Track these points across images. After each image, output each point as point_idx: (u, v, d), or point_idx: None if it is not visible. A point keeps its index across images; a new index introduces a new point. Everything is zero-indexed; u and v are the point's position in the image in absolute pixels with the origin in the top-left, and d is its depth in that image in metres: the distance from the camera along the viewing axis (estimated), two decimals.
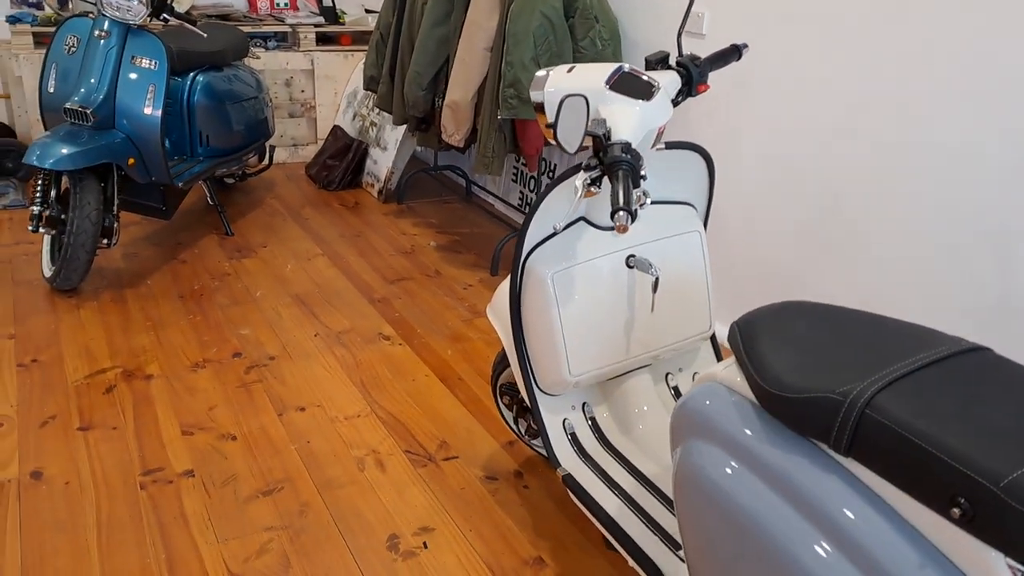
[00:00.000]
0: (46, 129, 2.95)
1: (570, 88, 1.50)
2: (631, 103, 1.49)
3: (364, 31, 4.63)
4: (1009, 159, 1.88)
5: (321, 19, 4.65)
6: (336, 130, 4.46)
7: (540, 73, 1.60)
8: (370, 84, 3.78)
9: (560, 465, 1.71)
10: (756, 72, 2.53)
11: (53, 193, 2.82)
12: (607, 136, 1.44)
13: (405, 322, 2.91)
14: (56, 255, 2.89)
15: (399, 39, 3.50)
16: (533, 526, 1.95)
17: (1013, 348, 1.93)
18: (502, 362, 2.05)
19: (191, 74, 3.32)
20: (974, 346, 1.08)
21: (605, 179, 1.49)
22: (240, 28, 4.00)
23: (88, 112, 2.79)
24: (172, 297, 2.96)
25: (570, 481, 1.67)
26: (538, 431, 1.85)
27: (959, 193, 2.00)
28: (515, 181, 3.96)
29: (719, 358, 1.95)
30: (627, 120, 1.46)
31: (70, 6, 4.08)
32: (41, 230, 2.80)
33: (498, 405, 2.15)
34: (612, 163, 1.39)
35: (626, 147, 1.40)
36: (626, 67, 1.54)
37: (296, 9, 4.78)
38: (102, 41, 2.87)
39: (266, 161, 3.90)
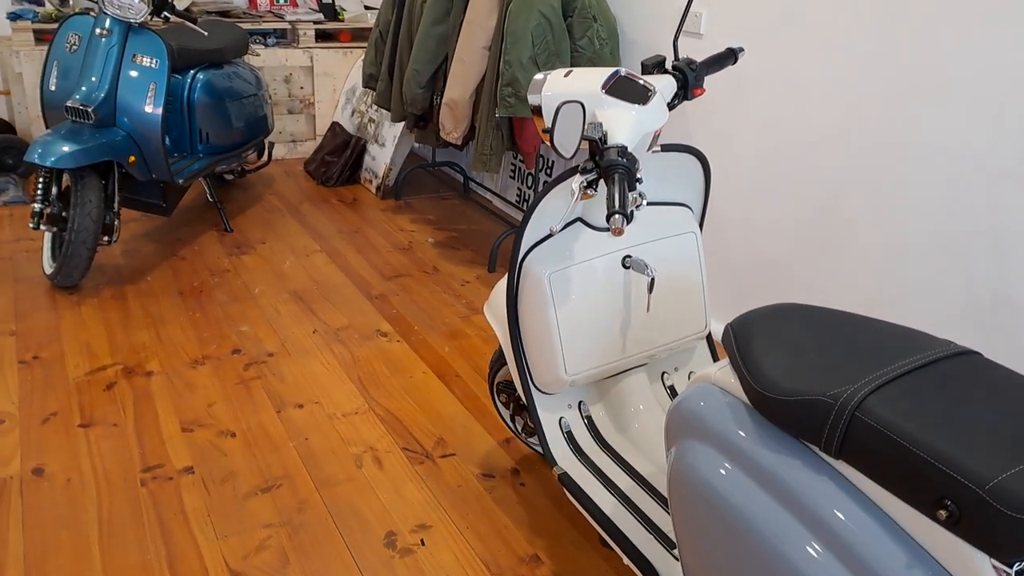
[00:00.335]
0: (47, 127, 2.97)
1: (567, 93, 1.52)
2: (627, 107, 1.51)
3: (363, 28, 4.64)
4: (1003, 159, 1.90)
5: (320, 16, 4.66)
6: (335, 127, 4.48)
7: (538, 77, 1.61)
8: (369, 81, 3.79)
9: (556, 463, 1.73)
10: (753, 73, 2.54)
11: (54, 190, 2.83)
12: (603, 140, 1.46)
13: (403, 319, 2.93)
14: (57, 252, 2.90)
15: (398, 37, 3.51)
16: (529, 524, 1.97)
17: (1008, 347, 1.95)
18: (499, 360, 2.07)
19: (191, 72, 3.33)
20: (964, 350, 1.10)
21: (601, 182, 1.50)
22: (240, 25, 4.00)
23: (89, 110, 2.80)
24: (172, 294, 2.97)
25: (566, 479, 1.69)
26: (535, 429, 1.87)
27: (954, 193, 2.02)
28: (513, 178, 3.97)
29: (715, 358, 1.97)
30: (623, 124, 1.48)
31: (71, 3, 4.08)
32: (42, 227, 2.81)
33: (495, 403, 2.16)
34: (608, 166, 1.41)
35: (622, 151, 1.42)
36: (622, 71, 1.56)
37: (296, 6, 4.79)
38: (103, 39, 2.88)
39: (265, 158, 3.92)
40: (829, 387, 1.04)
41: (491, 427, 2.33)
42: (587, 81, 1.55)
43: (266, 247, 3.45)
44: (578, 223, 1.74)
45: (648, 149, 1.63)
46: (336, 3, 4.76)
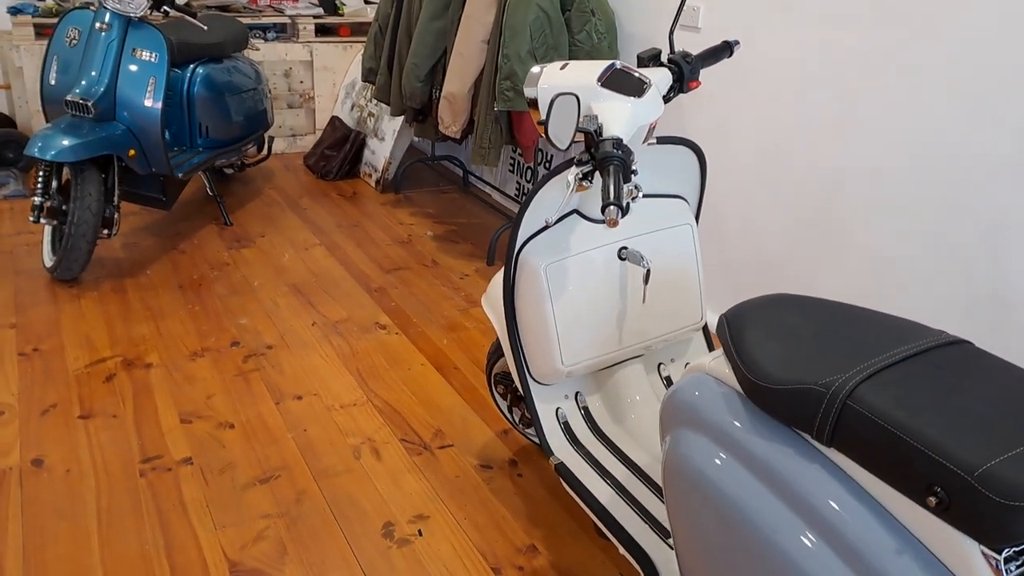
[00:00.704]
0: (47, 121, 2.97)
1: (563, 85, 1.53)
2: (623, 100, 1.51)
3: (363, 22, 4.64)
4: (1001, 153, 1.90)
5: (320, 10, 4.66)
6: (334, 121, 4.48)
7: (534, 70, 1.62)
8: (368, 75, 3.79)
9: (553, 454, 1.74)
10: (750, 66, 2.54)
11: (54, 184, 2.84)
12: (599, 132, 1.47)
13: (402, 311, 2.94)
14: (57, 245, 2.91)
15: (397, 31, 3.51)
16: (527, 514, 1.98)
17: (1004, 341, 1.95)
18: (496, 352, 2.08)
19: (191, 66, 3.33)
20: (955, 339, 1.11)
21: (597, 174, 1.51)
22: (240, 19, 4.01)
23: (89, 104, 2.81)
24: (171, 287, 2.98)
25: (562, 470, 1.69)
26: (532, 420, 1.87)
27: (952, 187, 2.02)
28: (512, 171, 3.97)
29: (711, 349, 1.97)
30: (618, 116, 1.49)
31: None
32: (42, 221, 2.82)
33: (493, 394, 2.17)
34: (603, 158, 1.41)
35: (617, 143, 1.42)
36: (618, 64, 1.57)
37: (295, 0, 4.79)
38: (103, 33, 2.88)
39: (265, 152, 3.92)
40: (821, 376, 1.05)
41: (489, 419, 2.34)
42: (583, 74, 1.56)
43: (265, 241, 3.46)
44: (574, 215, 1.74)
45: (643, 142, 1.63)
46: None
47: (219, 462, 2.07)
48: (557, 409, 1.82)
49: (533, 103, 1.60)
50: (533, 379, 1.79)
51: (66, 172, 2.86)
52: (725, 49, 1.78)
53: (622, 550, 1.51)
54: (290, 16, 4.51)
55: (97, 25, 2.88)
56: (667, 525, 1.55)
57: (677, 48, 1.76)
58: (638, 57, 1.73)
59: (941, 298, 2.08)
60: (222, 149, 3.47)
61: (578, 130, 1.47)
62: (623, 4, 3.06)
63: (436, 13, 3.25)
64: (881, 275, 2.23)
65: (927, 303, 2.12)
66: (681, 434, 1.24)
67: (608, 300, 1.73)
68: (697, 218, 1.87)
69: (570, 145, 1.43)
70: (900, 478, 0.95)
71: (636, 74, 1.56)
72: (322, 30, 4.60)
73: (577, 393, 1.86)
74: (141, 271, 3.09)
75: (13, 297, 2.82)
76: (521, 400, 2.04)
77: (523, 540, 1.89)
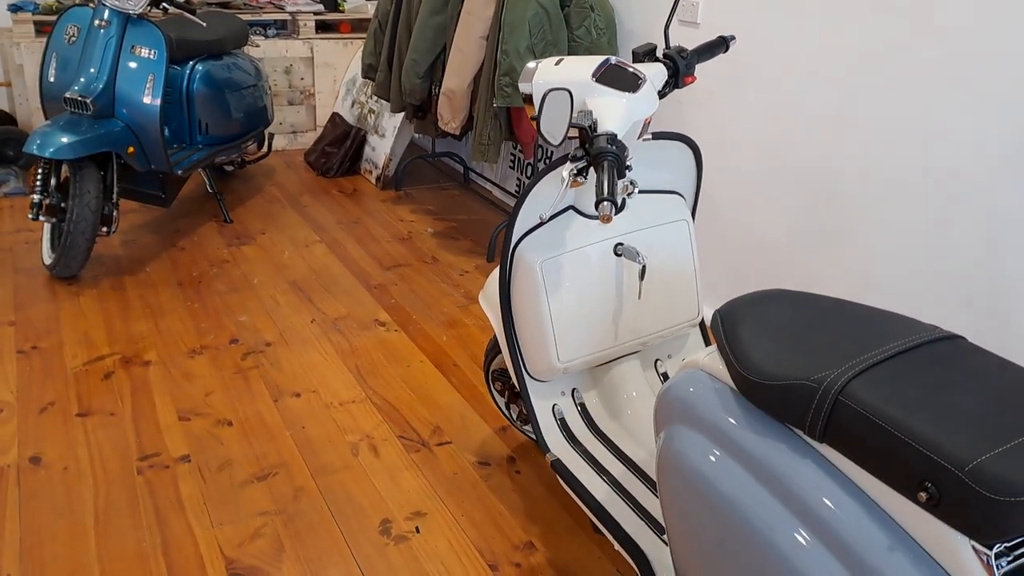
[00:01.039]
0: (46, 118, 2.97)
1: (558, 81, 1.52)
2: (617, 95, 1.51)
3: (363, 19, 4.63)
4: (1000, 151, 1.89)
5: (320, 7, 4.65)
6: (335, 117, 4.47)
7: (530, 65, 1.61)
8: (368, 72, 3.79)
9: (549, 450, 1.73)
10: (750, 61, 2.53)
11: (53, 181, 2.84)
12: (593, 128, 1.46)
13: (401, 308, 2.93)
14: (56, 243, 2.92)
15: (397, 27, 3.51)
16: (524, 511, 1.97)
17: (1001, 335, 1.94)
18: (494, 349, 2.08)
19: (190, 63, 3.33)
20: (948, 334, 1.10)
21: (591, 169, 1.50)
22: (240, 16, 4.00)
23: (88, 101, 2.81)
24: (171, 284, 2.98)
25: (559, 466, 1.69)
26: (529, 417, 1.87)
27: (950, 182, 2.01)
28: (512, 168, 3.97)
29: (708, 345, 1.97)
30: (613, 112, 1.48)
31: None
32: (41, 218, 2.83)
33: (490, 391, 2.17)
34: (597, 154, 1.41)
35: (611, 138, 1.42)
36: (613, 60, 1.56)
37: None
38: (102, 30, 2.88)
39: (265, 149, 3.92)
40: (813, 371, 1.04)
41: (488, 415, 2.34)
42: (578, 69, 1.55)
43: (266, 238, 3.46)
44: (570, 211, 1.73)
45: (639, 137, 1.62)
46: None
47: (217, 459, 2.07)
48: (554, 406, 1.81)
49: (528, 99, 1.59)
50: (529, 376, 1.78)
51: (65, 169, 2.86)
52: (721, 44, 1.77)
53: (617, 546, 1.51)
54: (290, 13, 4.50)
55: (96, 22, 2.88)
56: (662, 521, 1.54)
57: (673, 43, 1.75)
58: (633, 52, 1.72)
59: (940, 293, 2.07)
60: (222, 146, 3.47)
61: (572, 126, 1.46)
62: (622, 0, 3.05)
63: (435, 9, 3.25)
64: (880, 270, 2.22)
65: (926, 298, 2.11)
66: (675, 430, 1.23)
67: (604, 296, 1.72)
68: (693, 214, 1.86)
69: (563, 141, 1.42)
70: (891, 473, 0.94)
71: (631, 69, 1.55)
72: (323, 26, 4.60)
73: (574, 390, 1.86)
74: (140, 268, 3.09)
75: (12, 295, 2.82)
76: (518, 397, 2.03)
77: (520, 537, 1.89)
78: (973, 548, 0.89)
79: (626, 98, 1.51)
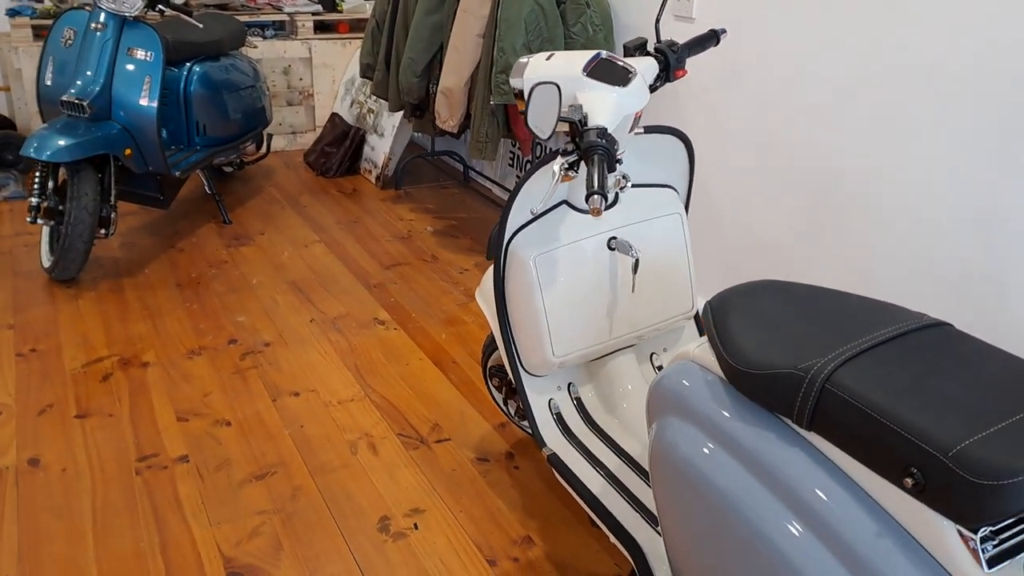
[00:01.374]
0: (44, 121, 2.98)
1: (548, 76, 1.52)
2: (608, 89, 1.50)
3: (362, 18, 4.64)
4: (993, 138, 1.88)
5: (319, 7, 4.65)
6: (334, 117, 4.48)
7: (521, 60, 1.61)
8: (366, 72, 3.79)
9: (545, 445, 1.73)
10: (745, 57, 2.52)
11: (51, 184, 2.85)
12: (583, 122, 1.46)
13: (400, 307, 2.93)
14: (55, 246, 2.92)
15: (394, 27, 3.50)
16: (522, 506, 1.97)
17: (995, 323, 1.93)
18: (491, 345, 2.07)
19: (188, 64, 3.33)
20: (935, 321, 1.10)
21: (582, 163, 1.50)
22: (237, 17, 4.01)
23: (85, 104, 2.81)
24: (169, 286, 2.99)
25: (555, 461, 1.69)
26: (525, 412, 1.87)
27: (945, 176, 2.00)
28: (511, 166, 3.96)
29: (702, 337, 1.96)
30: (603, 106, 1.48)
31: None
32: (39, 221, 2.83)
33: (488, 387, 2.17)
34: (588, 148, 1.40)
35: (602, 132, 1.42)
36: (603, 54, 1.56)
37: None
38: (98, 33, 2.89)
39: (264, 149, 3.92)
40: (800, 360, 1.04)
41: (486, 412, 2.34)
42: (568, 64, 1.55)
43: (265, 238, 3.46)
44: (563, 205, 1.73)
45: (630, 131, 1.62)
46: None
47: (215, 459, 2.08)
48: (550, 400, 1.81)
49: (520, 94, 1.59)
50: (525, 370, 1.78)
51: (63, 172, 2.86)
52: (712, 38, 1.76)
53: (612, 538, 1.51)
54: (288, 13, 4.51)
55: (92, 25, 2.89)
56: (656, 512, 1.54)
57: (664, 37, 1.74)
58: (624, 47, 1.72)
59: (935, 283, 2.06)
60: (220, 147, 3.47)
61: (563, 120, 1.46)
62: None
63: (431, 8, 3.24)
64: (876, 261, 2.21)
65: (922, 288, 2.09)
66: (667, 421, 1.23)
67: (598, 290, 1.72)
68: (687, 207, 1.86)
69: (552, 134, 1.42)
70: (878, 460, 0.94)
71: (621, 63, 1.55)
72: (321, 27, 4.60)
73: (570, 384, 1.85)
74: (139, 270, 3.10)
75: (11, 298, 2.83)
76: (516, 393, 2.03)
77: (519, 532, 1.88)
78: (959, 533, 0.88)
79: (616, 92, 1.50)
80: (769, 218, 2.55)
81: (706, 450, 1.15)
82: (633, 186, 1.80)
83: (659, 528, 1.49)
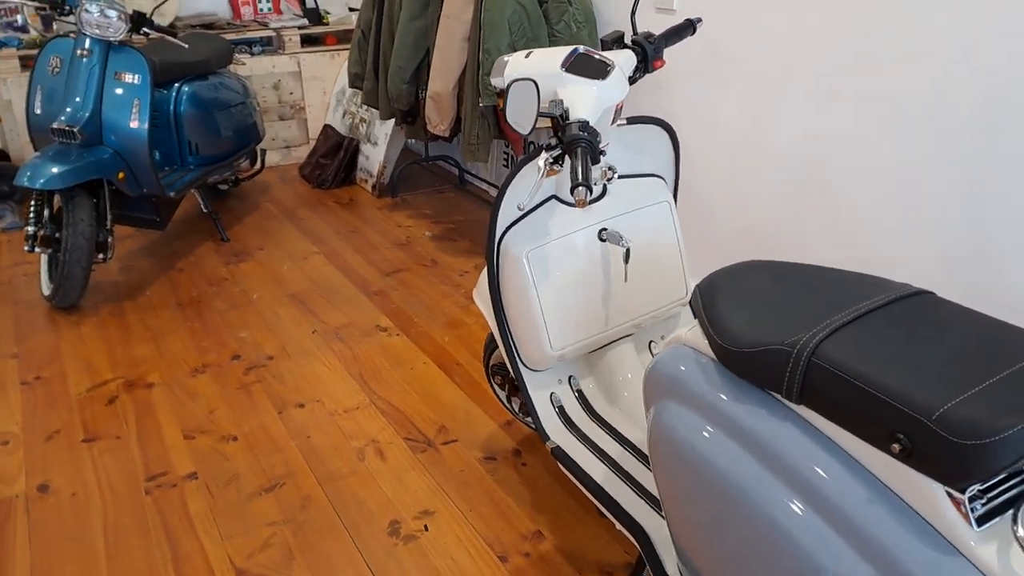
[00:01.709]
0: (36, 150, 3.00)
1: (526, 72, 1.53)
2: (587, 83, 1.52)
3: (348, 30, 4.65)
4: (974, 109, 1.88)
5: (305, 21, 4.68)
6: (327, 129, 4.49)
7: (501, 59, 1.62)
8: (355, 81, 3.80)
9: (549, 438, 1.73)
10: (727, 43, 2.52)
11: (46, 212, 2.87)
12: (565, 116, 1.47)
13: (402, 313, 2.94)
14: (54, 273, 2.94)
15: (380, 35, 3.52)
16: (531, 502, 1.97)
17: (985, 293, 1.93)
18: (492, 343, 2.08)
19: (176, 85, 3.35)
20: (916, 290, 1.10)
21: (567, 157, 1.50)
22: (224, 36, 4.03)
23: (75, 130, 2.83)
24: (170, 306, 3.00)
25: (559, 453, 1.69)
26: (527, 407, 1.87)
27: (932, 152, 1.99)
28: (506, 167, 3.97)
29: None
30: (583, 99, 1.49)
31: (54, 27, 4.12)
32: (37, 250, 2.85)
33: (491, 385, 2.17)
34: (570, 141, 1.41)
35: (583, 125, 1.43)
36: (581, 49, 1.57)
37: (279, 13, 4.81)
38: (84, 59, 2.90)
39: (258, 165, 3.94)
40: (787, 336, 1.04)
41: (492, 411, 2.34)
42: (547, 60, 1.57)
43: (264, 253, 3.47)
44: (552, 200, 1.74)
45: (612, 123, 1.63)
46: (319, 7, 4.77)
47: (224, 474, 2.08)
48: (551, 394, 1.81)
49: (501, 93, 1.60)
50: (525, 366, 1.78)
51: (57, 200, 2.88)
52: (687, 27, 1.77)
53: (618, 525, 1.51)
54: (275, 29, 4.53)
55: (78, 52, 2.90)
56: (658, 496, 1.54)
57: (641, 29, 1.75)
58: (602, 41, 1.73)
59: (926, 257, 2.05)
60: (213, 165, 3.49)
61: (544, 115, 1.47)
62: None
63: (415, 14, 3.25)
64: (868, 238, 2.21)
65: (914, 262, 2.09)
66: (663, 405, 1.23)
67: (592, 282, 1.72)
68: (675, 195, 1.86)
69: (533, 130, 1.43)
70: (865, 428, 0.94)
71: (599, 57, 1.56)
72: (308, 40, 4.62)
73: (570, 377, 1.86)
74: (139, 292, 3.11)
75: (13, 327, 2.85)
76: (518, 389, 2.03)
77: (528, 527, 1.89)
78: (948, 494, 0.89)
79: (596, 85, 1.52)
80: (756, 203, 2.55)
81: (702, 431, 1.15)
82: (620, 177, 1.80)
83: (663, 512, 1.49)
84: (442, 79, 3.14)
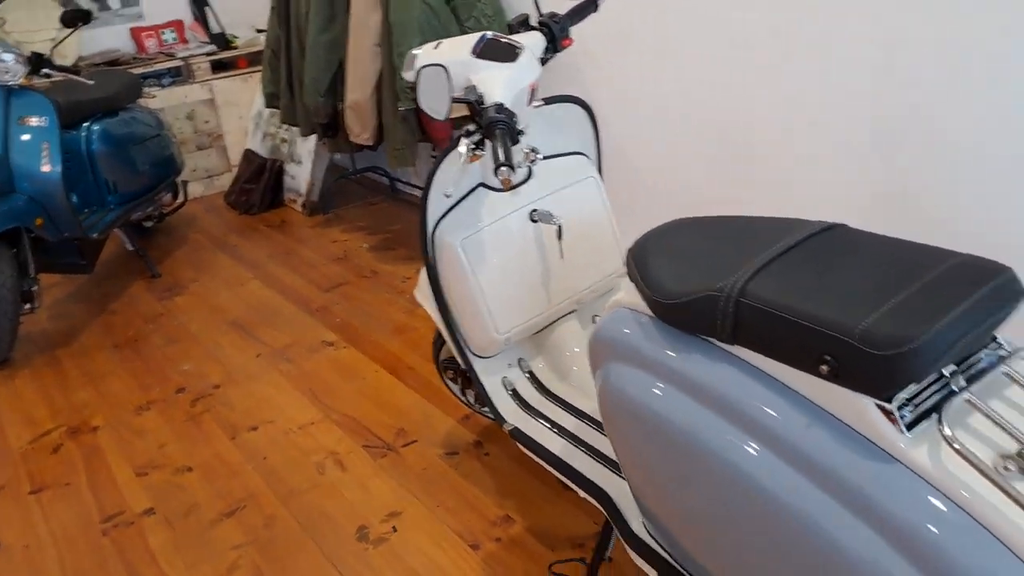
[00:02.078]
0: None
1: (435, 60, 1.54)
2: (499, 67, 1.54)
3: (258, 51, 4.58)
4: (882, 61, 1.96)
5: (213, 47, 4.60)
6: (248, 154, 4.43)
7: (411, 53, 1.63)
8: (271, 101, 3.76)
9: (506, 421, 1.74)
10: (635, 21, 2.58)
11: None
12: (480, 101, 1.49)
13: (348, 325, 2.92)
14: None
15: (291, 51, 3.49)
16: (497, 489, 1.98)
17: (904, 228, 2.02)
18: (440, 339, 2.08)
19: (86, 124, 3.26)
20: (830, 225, 1.16)
21: (488, 142, 1.52)
22: (131, 71, 3.94)
23: None
24: (107, 348, 2.92)
25: (517, 433, 1.70)
26: (482, 396, 1.88)
27: (846, 101, 2.08)
28: None
29: None
30: (497, 83, 1.51)
31: None
32: None
33: (444, 381, 2.17)
34: (488, 124, 1.44)
35: (499, 108, 1.45)
36: (489, 35, 1.59)
37: (185, 42, 4.72)
38: None
39: (181, 198, 3.86)
40: (715, 281, 1.08)
41: (449, 408, 2.34)
42: (457, 48, 1.58)
43: (198, 285, 3.41)
44: (480, 188, 1.75)
45: (529, 104, 1.65)
46: (226, 32, 4.70)
47: (182, 506, 2.04)
48: (503, 378, 1.83)
49: (413, 86, 1.61)
50: (474, 354, 1.79)
51: None
52: (590, 4, 1.81)
53: (581, 493, 1.53)
54: (182, 58, 4.44)
55: None
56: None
57: (544, 10, 1.79)
58: (508, 25, 1.76)
59: (847, 199, 2.14)
60: (134, 202, 3.41)
61: (460, 101, 1.48)
62: None
63: (323, 26, 3.24)
64: (792, 189, 2.29)
65: (837, 205, 2.17)
66: (608, 367, 1.26)
67: (529, 263, 1.74)
68: (600, 170, 1.89)
69: (448, 115, 1.44)
70: (796, 356, 0.99)
71: (506, 41, 1.58)
72: (219, 66, 4.54)
73: (520, 359, 1.87)
74: (73, 339, 3.02)
75: None
76: (471, 380, 2.04)
77: (496, 513, 1.90)
78: (878, 407, 0.93)
79: (508, 68, 1.54)
80: (684, 170, 2.61)
81: (647, 386, 1.18)
82: (544, 158, 1.83)
83: (623, 474, 1.52)
84: (359, 87, 3.13)
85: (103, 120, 3.32)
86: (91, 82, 3.18)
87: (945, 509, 0.89)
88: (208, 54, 4.49)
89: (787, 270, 1.06)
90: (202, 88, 4.42)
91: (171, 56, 4.47)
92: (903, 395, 0.94)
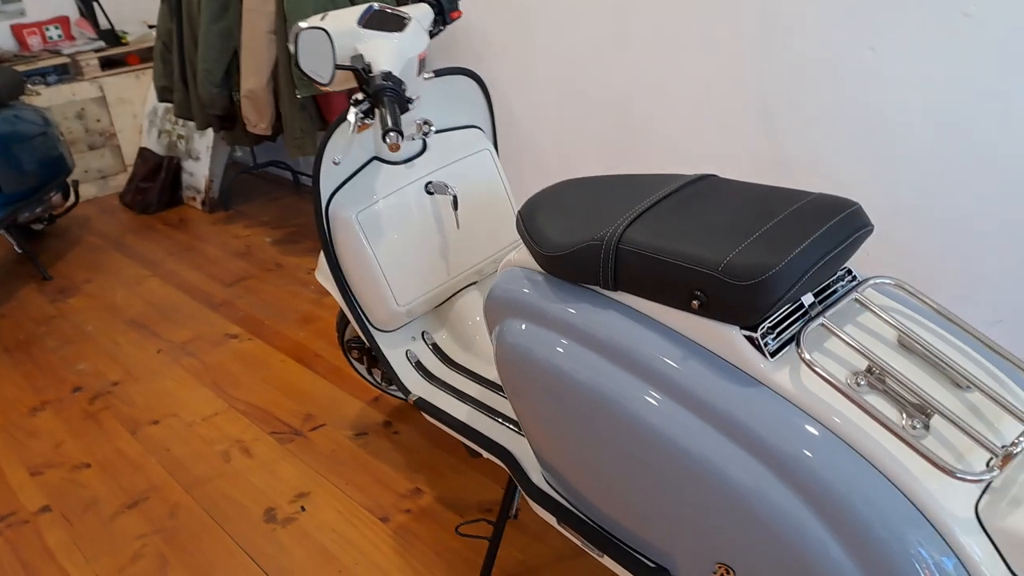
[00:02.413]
0: None
1: (317, 25, 1.55)
2: (386, 37, 1.56)
3: (150, 47, 4.44)
4: (758, 35, 2.07)
5: (102, 43, 4.43)
6: (143, 152, 4.28)
7: (296, 26, 1.63)
8: (164, 95, 3.65)
9: (410, 392, 1.76)
10: (531, 5, 2.64)
11: None
12: (367, 69, 1.50)
13: (252, 318, 2.87)
14: None
15: (183, 43, 3.40)
16: (407, 464, 2.00)
17: (777, 173, 2.14)
18: (343, 319, 2.08)
19: None
20: (701, 175, 1.23)
21: (377, 111, 1.54)
22: (12, 67, 3.75)
23: None
24: None
25: (422, 403, 1.73)
26: (386, 371, 1.89)
27: (729, 81, 2.18)
28: None
29: None
30: (384, 52, 1.53)
31: None
32: None
33: (350, 362, 2.17)
34: (376, 91, 1.45)
35: (387, 76, 1.47)
36: (376, 6, 1.61)
37: (72, 39, 4.53)
38: None
39: (72, 199, 3.71)
40: (597, 231, 1.13)
41: (358, 391, 2.34)
42: (343, 19, 1.59)
43: (93, 285, 3.28)
44: (375, 162, 1.77)
45: (419, 75, 1.67)
46: (115, 28, 4.53)
47: (80, 502, 1.98)
48: (407, 351, 1.84)
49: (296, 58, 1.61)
50: (376, 328, 1.80)
51: None
52: None
53: (486, 454, 1.57)
54: (69, 55, 4.26)
55: None
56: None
57: None
58: None
59: (734, 166, 2.25)
60: (20, 203, 3.25)
61: (346, 68, 1.49)
62: None
63: (215, 15, 3.17)
64: (678, 161, 2.38)
65: (721, 161, 2.28)
66: (503, 325, 1.30)
67: (426, 234, 1.77)
68: (496, 143, 1.93)
69: (332, 79, 1.45)
70: (670, 295, 1.05)
71: (393, 11, 1.60)
72: (108, 63, 4.38)
73: (423, 332, 1.89)
74: None
75: None
76: (376, 359, 2.05)
77: (406, 486, 1.91)
78: (744, 335, 1.00)
79: (395, 38, 1.56)
80: (579, 146, 2.68)
81: (537, 335, 1.22)
82: (438, 132, 1.85)
83: (521, 430, 1.57)
84: (254, 75, 3.08)
85: None
86: None
87: (806, 426, 0.96)
88: (97, 51, 4.32)
89: (661, 216, 1.12)
90: (92, 86, 4.25)
91: (56, 53, 4.28)
92: (767, 324, 1.02)
